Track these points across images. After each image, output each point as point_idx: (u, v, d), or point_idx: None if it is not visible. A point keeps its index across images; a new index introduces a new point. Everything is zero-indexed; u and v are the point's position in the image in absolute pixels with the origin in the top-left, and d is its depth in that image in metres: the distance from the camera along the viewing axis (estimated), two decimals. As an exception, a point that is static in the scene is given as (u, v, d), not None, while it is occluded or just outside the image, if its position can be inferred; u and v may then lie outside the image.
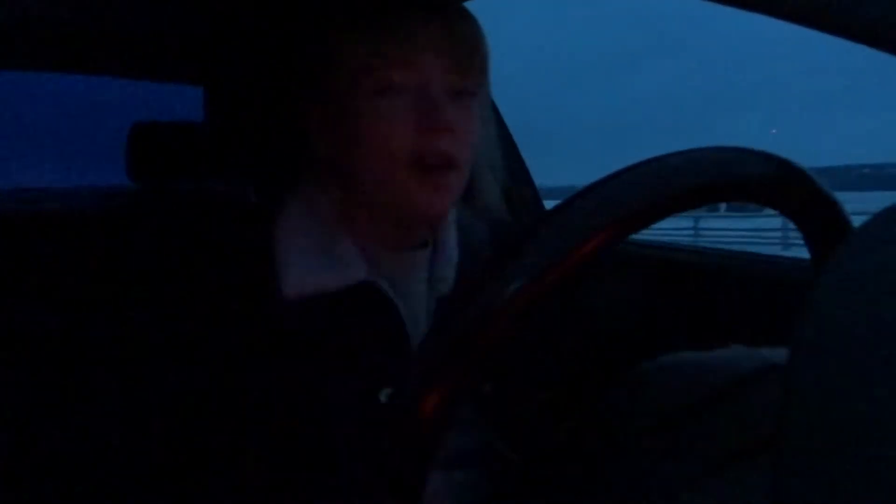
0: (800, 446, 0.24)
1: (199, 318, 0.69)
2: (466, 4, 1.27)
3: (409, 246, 0.77)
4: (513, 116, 1.54)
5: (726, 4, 0.62)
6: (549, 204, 1.60)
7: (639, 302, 1.29)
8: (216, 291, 0.70)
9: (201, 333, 0.69)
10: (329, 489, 0.70)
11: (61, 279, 1.28)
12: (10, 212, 1.49)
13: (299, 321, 0.69)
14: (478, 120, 0.73)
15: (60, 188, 1.91)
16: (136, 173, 1.45)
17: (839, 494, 0.22)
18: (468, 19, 0.71)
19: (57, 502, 1.10)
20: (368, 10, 0.68)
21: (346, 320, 0.71)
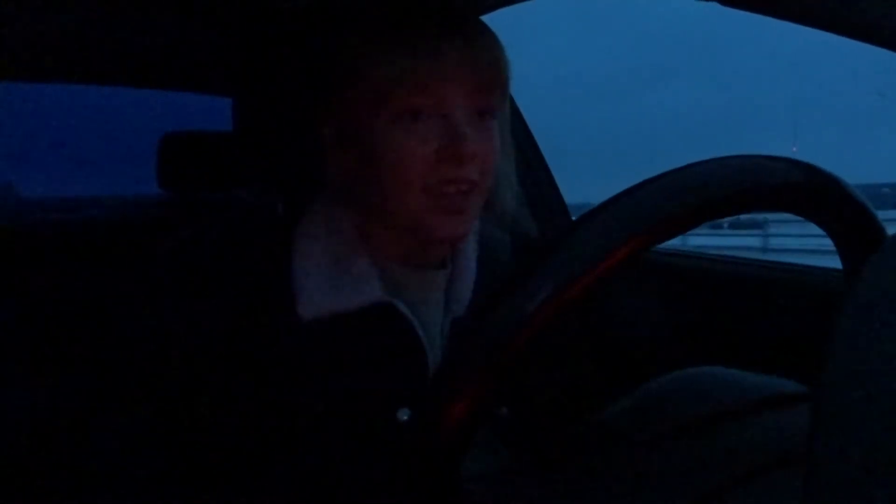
0: (831, 467, 0.23)
1: (218, 334, 0.69)
2: (485, 19, 1.28)
3: (426, 265, 0.76)
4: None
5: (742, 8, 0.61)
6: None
7: (664, 312, 1.27)
8: (236, 307, 0.69)
9: (219, 349, 0.69)
10: None
11: (90, 286, 1.30)
12: (41, 220, 1.52)
13: (316, 341, 0.69)
14: (499, 137, 0.71)
15: (93, 197, 1.94)
16: (167, 182, 1.47)
17: None
18: (490, 37, 0.69)
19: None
20: (390, 31, 0.67)
21: (363, 340, 0.70)
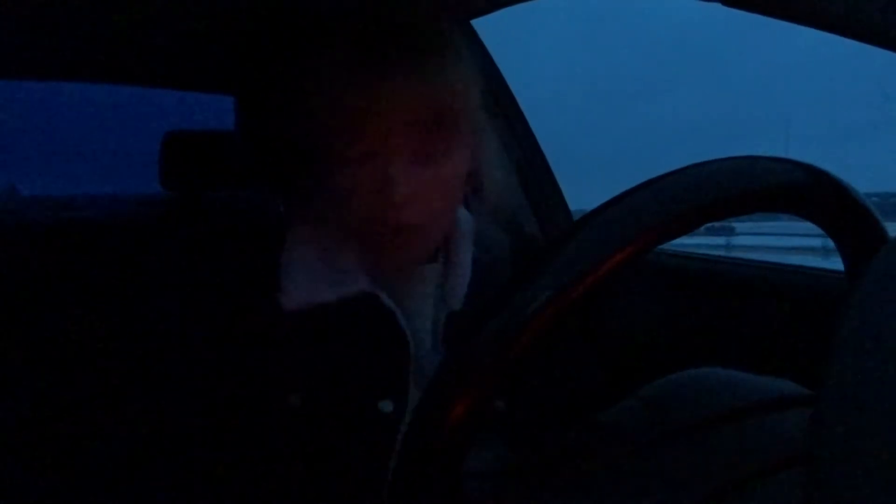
0: (833, 469, 0.23)
1: (209, 329, 0.70)
2: (475, 23, 1.27)
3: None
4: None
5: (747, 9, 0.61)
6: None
7: (664, 313, 1.27)
8: (228, 302, 0.70)
9: (208, 342, 0.70)
10: (330, 499, 0.70)
11: (92, 285, 1.30)
12: (42, 219, 1.52)
13: (299, 332, 0.70)
14: (458, 168, 0.69)
15: (94, 195, 1.94)
16: (169, 181, 1.47)
17: None
18: (437, 69, 0.64)
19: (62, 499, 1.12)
20: (330, 75, 0.64)
21: (346, 332, 0.71)
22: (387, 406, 0.70)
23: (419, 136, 0.64)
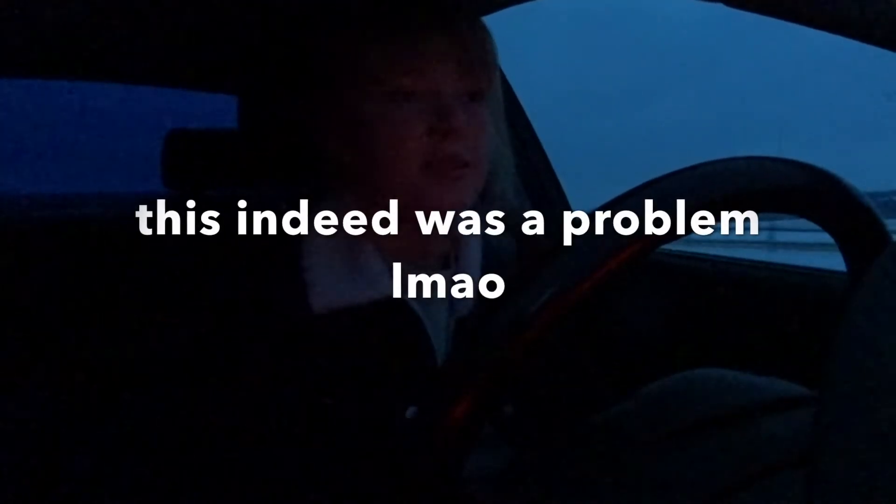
0: (834, 470, 0.23)
1: (228, 329, 0.70)
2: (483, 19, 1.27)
3: (431, 265, 0.77)
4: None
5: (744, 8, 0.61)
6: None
7: (665, 313, 1.27)
8: (245, 302, 0.70)
9: (230, 343, 0.70)
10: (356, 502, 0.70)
11: (94, 284, 1.30)
12: (45, 217, 1.52)
13: (326, 334, 0.70)
14: (490, 122, 0.74)
15: (96, 194, 1.94)
16: (172, 180, 1.47)
17: None
18: (477, 25, 0.73)
19: None
20: (379, 18, 0.70)
21: (372, 336, 0.71)
22: (414, 412, 0.70)
23: (464, 78, 0.70)
